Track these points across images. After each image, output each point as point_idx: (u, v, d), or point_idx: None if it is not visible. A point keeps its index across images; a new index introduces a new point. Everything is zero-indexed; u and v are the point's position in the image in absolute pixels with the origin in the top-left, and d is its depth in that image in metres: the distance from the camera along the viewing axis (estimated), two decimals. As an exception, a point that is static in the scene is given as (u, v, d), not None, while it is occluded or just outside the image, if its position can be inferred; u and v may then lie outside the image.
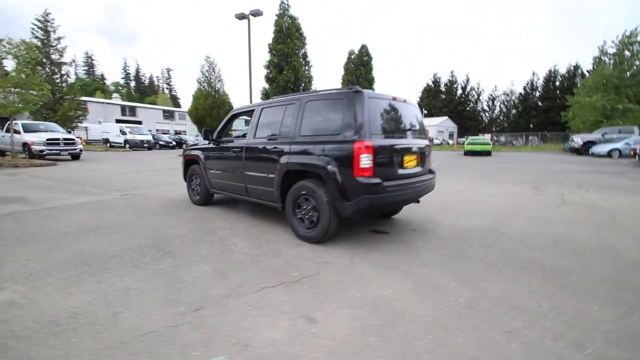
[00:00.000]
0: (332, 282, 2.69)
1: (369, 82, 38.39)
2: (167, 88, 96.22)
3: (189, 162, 5.87)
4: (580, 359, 1.77)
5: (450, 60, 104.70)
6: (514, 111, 58.94)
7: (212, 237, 3.85)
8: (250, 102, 19.08)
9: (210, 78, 19.48)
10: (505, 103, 60.13)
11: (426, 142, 4.16)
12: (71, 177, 9.44)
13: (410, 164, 3.75)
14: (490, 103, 62.78)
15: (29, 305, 2.27)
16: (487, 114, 62.18)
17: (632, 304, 2.36)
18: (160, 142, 30.63)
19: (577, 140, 23.77)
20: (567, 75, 51.78)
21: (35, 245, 3.52)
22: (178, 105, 75.82)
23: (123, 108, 48.10)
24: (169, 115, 55.27)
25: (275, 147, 3.95)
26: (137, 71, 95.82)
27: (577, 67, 50.51)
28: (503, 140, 43.76)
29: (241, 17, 18.24)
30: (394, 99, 3.71)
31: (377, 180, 3.22)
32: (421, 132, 4.12)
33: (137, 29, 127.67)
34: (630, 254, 3.39)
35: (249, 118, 5.18)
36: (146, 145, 27.15)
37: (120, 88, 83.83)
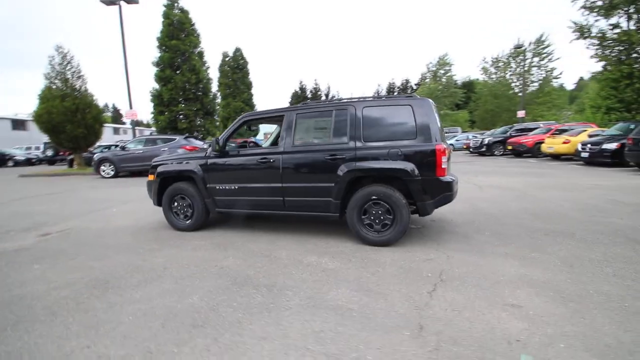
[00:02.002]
0: (467, 273, 2.93)
1: (247, 86, 37.90)
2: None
3: (166, 181, 4.72)
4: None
5: (314, 69, 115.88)
6: (367, 115, 69.70)
7: (280, 262, 3.37)
8: (130, 103, 15.99)
9: (66, 73, 15.08)
10: (361, 109, 70.37)
11: None
12: None
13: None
14: (348, 108, 72.06)
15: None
16: (347, 118, 71.17)
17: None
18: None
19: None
20: (401, 87, 64.95)
21: (54, 326, 2.28)
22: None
23: None
24: (-40, 122, 39.04)
25: (332, 155, 3.77)
26: None
27: (407, 80, 64.07)
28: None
29: (109, 2, 15.02)
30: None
31: (452, 178, 3.62)
32: None
33: None
34: (610, 218, 4.94)
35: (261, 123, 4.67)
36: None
37: None
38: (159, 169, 4.71)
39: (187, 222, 4.62)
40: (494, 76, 40.30)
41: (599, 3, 21.50)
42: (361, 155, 3.69)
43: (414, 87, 60.85)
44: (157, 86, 16.68)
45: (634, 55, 20.65)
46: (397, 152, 3.57)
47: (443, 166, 3.50)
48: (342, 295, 2.58)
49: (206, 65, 18.75)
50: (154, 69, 16.60)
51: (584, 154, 12.10)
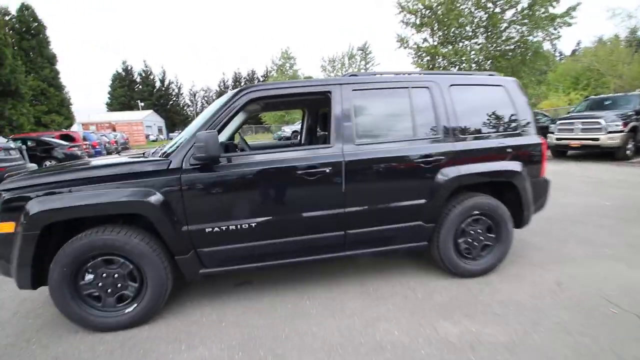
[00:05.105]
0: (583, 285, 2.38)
1: (48, 60, 27.53)
2: None
3: (51, 230, 2.08)
4: None
5: (141, 49, 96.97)
6: (213, 106, 64.64)
7: (431, 353, 1.89)
8: None
9: None
10: (206, 98, 64.45)
11: None
12: None
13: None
14: (192, 98, 64.78)
15: None
16: (191, 109, 63.80)
17: None
18: None
19: (287, 130, 30.66)
20: (247, 77, 63.46)
21: None
22: None
23: None
24: None
25: (426, 156, 2.44)
26: None
27: (253, 72, 63.22)
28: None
29: None
30: None
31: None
32: None
33: None
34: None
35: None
36: None
37: None
38: (36, 205, 1.99)
39: (129, 310, 2.18)
40: (332, 75, 44.82)
41: (412, 20, 27.04)
42: (464, 156, 2.55)
43: (261, 79, 60.79)
44: None
45: (437, 65, 27.08)
46: (506, 149, 2.65)
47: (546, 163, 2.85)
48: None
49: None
50: None
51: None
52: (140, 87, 59.40)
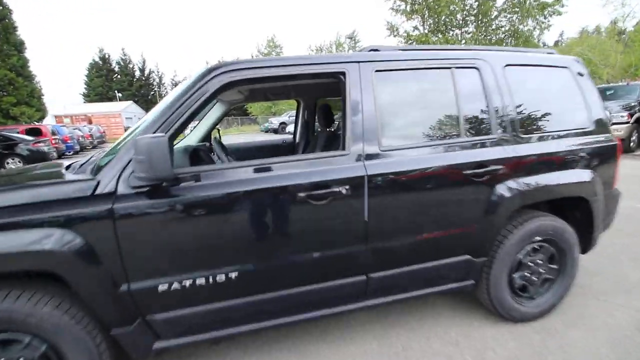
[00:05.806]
0: None
1: (16, 47, 25.52)
2: None
3: None
4: None
5: (119, 36, 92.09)
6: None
7: None
8: None
9: None
10: (189, 89, 62.16)
11: None
12: None
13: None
14: (174, 88, 62.52)
15: None
16: (173, 100, 61.44)
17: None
18: None
19: (274, 122, 29.63)
20: (232, 67, 61.51)
21: None
22: None
23: None
24: None
25: (479, 163, 1.73)
26: None
27: (238, 59, 61.23)
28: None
29: None
30: None
31: (616, 188, 2.35)
32: None
33: None
34: None
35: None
36: None
37: None
38: None
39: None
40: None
41: (403, 7, 26.18)
42: (527, 163, 1.85)
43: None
44: None
45: (428, 54, 26.38)
46: (578, 153, 1.97)
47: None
48: None
49: None
50: None
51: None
52: (118, 76, 56.64)
